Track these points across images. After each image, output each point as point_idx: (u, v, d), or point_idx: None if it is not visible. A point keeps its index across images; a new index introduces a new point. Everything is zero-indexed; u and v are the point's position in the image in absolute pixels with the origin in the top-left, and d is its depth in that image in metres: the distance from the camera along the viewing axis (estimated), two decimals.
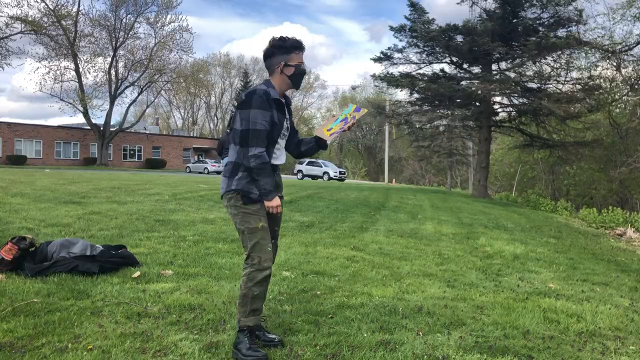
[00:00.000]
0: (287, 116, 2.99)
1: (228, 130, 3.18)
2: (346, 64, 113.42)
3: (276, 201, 2.79)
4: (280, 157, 2.96)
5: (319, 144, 3.08)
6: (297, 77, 2.91)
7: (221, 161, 11.68)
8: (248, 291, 2.77)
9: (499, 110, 24.40)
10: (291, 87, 2.95)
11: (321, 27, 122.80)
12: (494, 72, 22.63)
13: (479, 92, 21.51)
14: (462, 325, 3.53)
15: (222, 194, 2.91)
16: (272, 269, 2.84)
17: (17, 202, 8.55)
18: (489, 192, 27.23)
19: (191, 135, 64.85)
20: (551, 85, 22.20)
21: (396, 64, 24.64)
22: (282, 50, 2.86)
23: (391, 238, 7.59)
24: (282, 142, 2.96)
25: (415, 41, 23.75)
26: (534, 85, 22.23)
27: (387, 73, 24.38)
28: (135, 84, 43.38)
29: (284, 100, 2.96)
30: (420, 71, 24.52)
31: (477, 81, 22.09)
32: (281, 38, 2.88)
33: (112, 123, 44.15)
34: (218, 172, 38.03)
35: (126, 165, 47.04)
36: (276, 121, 2.82)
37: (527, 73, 21.85)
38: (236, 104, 2.90)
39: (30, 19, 36.16)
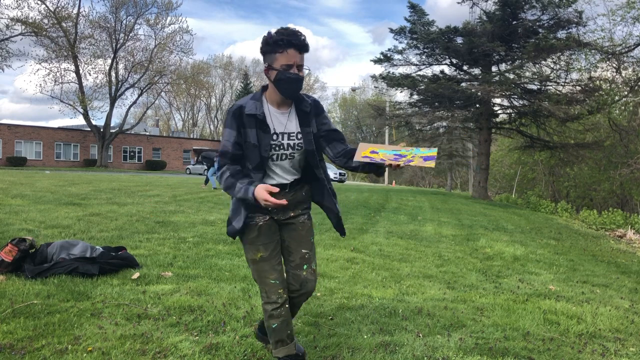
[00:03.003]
0: (282, 129, 2.41)
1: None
2: (349, 66, 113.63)
3: (261, 193, 2.17)
4: (284, 175, 2.47)
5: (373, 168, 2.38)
6: (283, 83, 2.30)
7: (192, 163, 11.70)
8: (268, 324, 2.49)
9: (499, 111, 24.43)
10: (285, 97, 2.37)
11: (323, 29, 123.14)
12: (494, 74, 22.65)
13: (479, 93, 21.53)
14: (462, 327, 3.53)
15: None
16: (284, 300, 2.46)
17: (17, 203, 8.55)
18: (489, 193, 27.24)
19: (191, 137, 64.88)
20: (551, 87, 22.23)
21: (396, 65, 24.68)
22: (267, 49, 2.29)
23: (391, 240, 7.59)
24: (284, 164, 2.45)
25: (415, 43, 23.79)
26: (534, 87, 22.28)
27: (388, 73, 24.42)
28: (136, 85, 43.42)
29: (278, 113, 2.41)
30: (420, 73, 24.58)
31: (477, 83, 22.12)
32: (270, 32, 2.29)
33: (112, 125, 44.20)
34: None
35: (126, 166, 47.04)
36: (250, 141, 2.32)
37: (527, 74, 21.87)
38: None
39: (30, 20, 36.21)
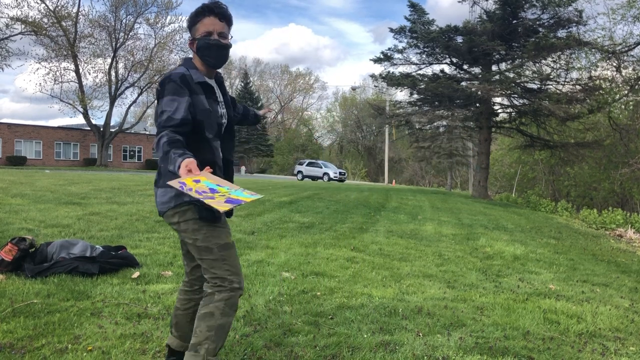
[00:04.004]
0: (221, 99, 2.40)
1: None
2: (350, 65, 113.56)
3: (186, 162, 1.96)
4: (221, 152, 2.37)
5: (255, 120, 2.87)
6: (204, 51, 2.26)
7: None
8: (226, 321, 2.22)
9: (499, 111, 24.43)
10: (209, 66, 2.31)
11: (324, 28, 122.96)
12: (494, 73, 22.65)
13: (479, 92, 21.52)
14: (462, 326, 3.53)
15: (168, 208, 2.25)
16: None
17: (17, 202, 8.55)
18: (489, 192, 27.23)
19: None
20: (551, 86, 22.23)
21: (396, 64, 24.66)
22: (190, 23, 2.30)
23: (391, 239, 7.59)
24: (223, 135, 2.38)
25: (415, 42, 23.78)
26: (534, 86, 22.27)
27: (388, 72, 24.42)
28: (135, 84, 43.37)
29: (214, 83, 2.39)
30: (420, 72, 24.56)
31: (477, 82, 22.11)
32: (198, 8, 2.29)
33: (112, 124, 44.18)
34: None
35: (126, 166, 47.04)
36: (207, 108, 2.25)
37: (527, 73, 21.87)
38: (157, 89, 2.28)
39: (30, 19, 36.17)
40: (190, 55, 2.39)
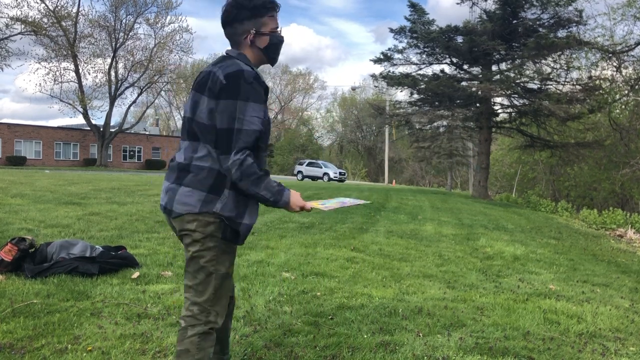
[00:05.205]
0: None
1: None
2: (350, 65, 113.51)
3: (297, 199, 2.03)
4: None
5: None
6: (274, 49, 2.16)
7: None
8: (204, 355, 2.03)
9: (499, 111, 24.43)
10: (266, 62, 2.19)
11: (325, 29, 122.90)
12: (494, 73, 22.65)
13: (479, 92, 21.52)
14: (462, 327, 3.52)
15: (188, 212, 1.99)
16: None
17: (16, 203, 8.54)
18: (489, 193, 27.23)
19: None
20: (551, 86, 22.23)
21: (396, 64, 24.66)
22: (250, 13, 2.07)
23: (391, 239, 7.58)
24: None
25: (415, 42, 23.78)
26: (534, 86, 22.27)
27: (388, 72, 24.42)
28: (135, 84, 43.37)
29: None
30: (421, 72, 24.57)
31: (477, 82, 22.11)
32: None
33: (111, 124, 44.16)
34: None
35: (126, 166, 47.04)
36: (269, 117, 2.09)
37: (527, 73, 21.87)
38: (205, 86, 2.01)
39: (30, 19, 36.17)
40: (231, 49, 2.15)
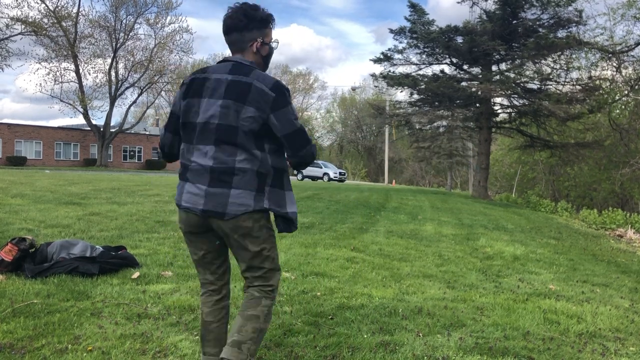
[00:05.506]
0: None
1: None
2: (351, 66, 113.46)
3: None
4: None
5: None
6: (270, 57, 2.44)
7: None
8: (266, 327, 2.30)
9: (499, 111, 24.43)
10: (262, 69, 2.39)
11: (325, 29, 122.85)
12: (494, 73, 22.66)
13: (479, 92, 21.52)
14: (462, 327, 3.53)
15: (244, 211, 2.18)
16: None
17: (17, 203, 8.55)
18: (489, 193, 27.23)
19: None
20: (551, 86, 22.24)
21: (396, 65, 24.65)
22: (259, 24, 2.29)
23: (391, 239, 7.58)
24: None
25: (415, 42, 23.77)
26: (534, 86, 22.28)
27: (388, 72, 24.41)
28: (136, 85, 43.40)
29: None
30: (421, 72, 24.57)
31: (477, 82, 22.11)
32: (254, 6, 2.29)
33: (112, 124, 44.19)
34: None
35: (126, 166, 47.05)
36: None
37: (527, 73, 21.88)
38: (246, 97, 2.17)
39: (30, 20, 36.18)
40: (238, 56, 2.31)
